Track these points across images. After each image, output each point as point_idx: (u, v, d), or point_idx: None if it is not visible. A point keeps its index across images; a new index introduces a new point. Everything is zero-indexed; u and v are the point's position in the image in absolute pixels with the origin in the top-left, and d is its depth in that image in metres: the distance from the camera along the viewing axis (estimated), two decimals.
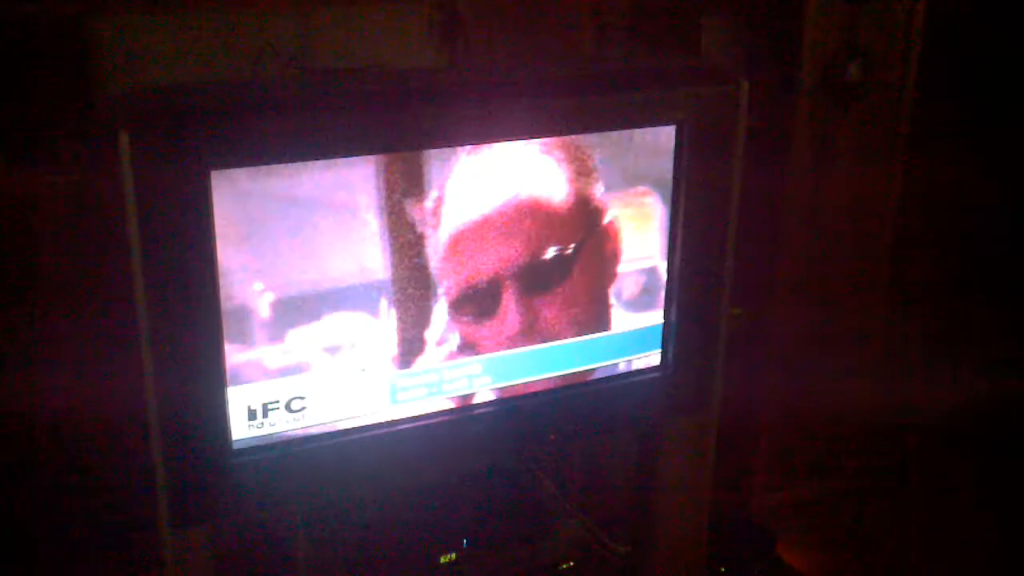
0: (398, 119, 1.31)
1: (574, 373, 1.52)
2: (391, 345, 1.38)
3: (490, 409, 1.47)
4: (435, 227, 1.35)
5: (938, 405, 2.22)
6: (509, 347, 1.45)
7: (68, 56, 1.46)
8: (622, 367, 1.55)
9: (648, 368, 1.56)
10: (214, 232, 1.22)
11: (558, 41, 1.83)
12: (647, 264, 1.51)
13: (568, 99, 1.40)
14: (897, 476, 2.26)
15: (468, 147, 1.34)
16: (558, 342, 1.49)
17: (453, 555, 1.61)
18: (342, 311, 1.34)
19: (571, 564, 1.71)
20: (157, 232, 1.19)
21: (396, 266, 1.35)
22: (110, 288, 1.30)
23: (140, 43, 1.49)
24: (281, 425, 1.35)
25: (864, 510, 2.19)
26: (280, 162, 1.25)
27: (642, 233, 1.49)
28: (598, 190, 1.44)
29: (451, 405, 1.45)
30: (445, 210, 1.35)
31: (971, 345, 2.29)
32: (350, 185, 1.30)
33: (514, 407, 1.49)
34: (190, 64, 1.49)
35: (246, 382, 1.31)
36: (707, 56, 1.91)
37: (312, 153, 1.26)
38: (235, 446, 1.32)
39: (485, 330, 1.43)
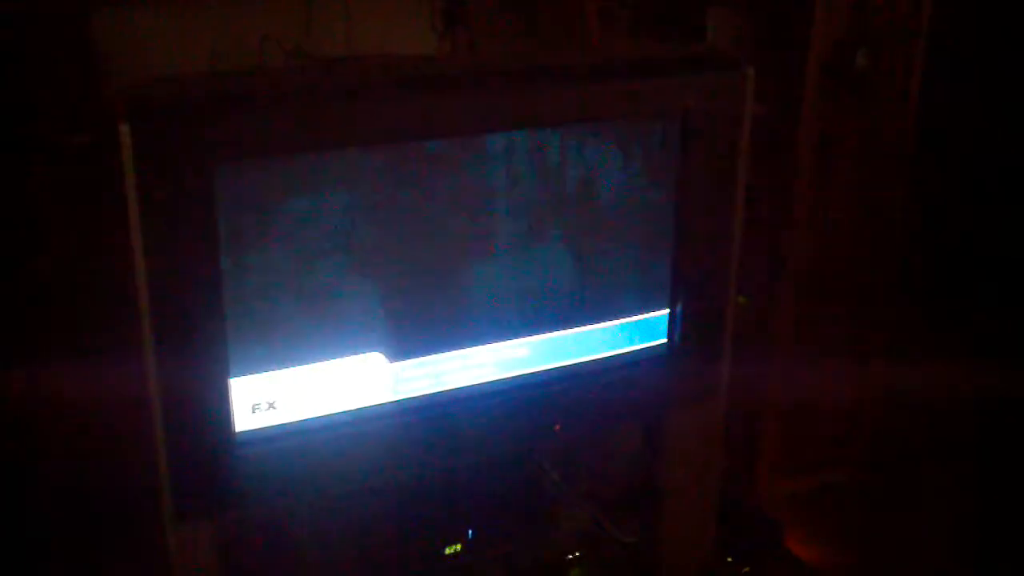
0: (401, 108, 1.30)
1: (580, 363, 1.51)
2: (395, 333, 1.38)
3: (494, 399, 1.47)
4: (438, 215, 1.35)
5: (946, 397, 2.21)
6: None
7: (70, 47, 1.46)
8: (628, 357, 1.54)
9: (654, 358, 1.56)
10: (218, 225, 1.22)
11: (561, 29, 1.82)
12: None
13: (572, 88, 1.39)
14: (905, 467, 2.25)
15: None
16: (563, 332, 1.48)
17: (458, 546, 1.61)
18: (345, 301, 1.33)
19: (577, 554, 1.71)
20: (160, 224, 1.19)
21: (400, 253, 1.34)
22: (113, 280, 1.30)
23: (141, 34, 1.49)
24: (284, 415, 1.35)
25: (872, 501, 2.18)
26: (285, 154, 1.24)
27: None
28: None
29: (455, 395, 1.44)
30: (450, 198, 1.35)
31: (978, 337, 2.28)
32: (353, 175, 1.30)
33: (519, 397, 1.48)
34: (192, 55, 1.49)
35: (249, 372, 1.31)
36: (713, 43, 1.90)
37: (317, 144, 1.26)
38: (238, 437, 1.32)
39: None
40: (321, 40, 1.56)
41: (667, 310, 1.54)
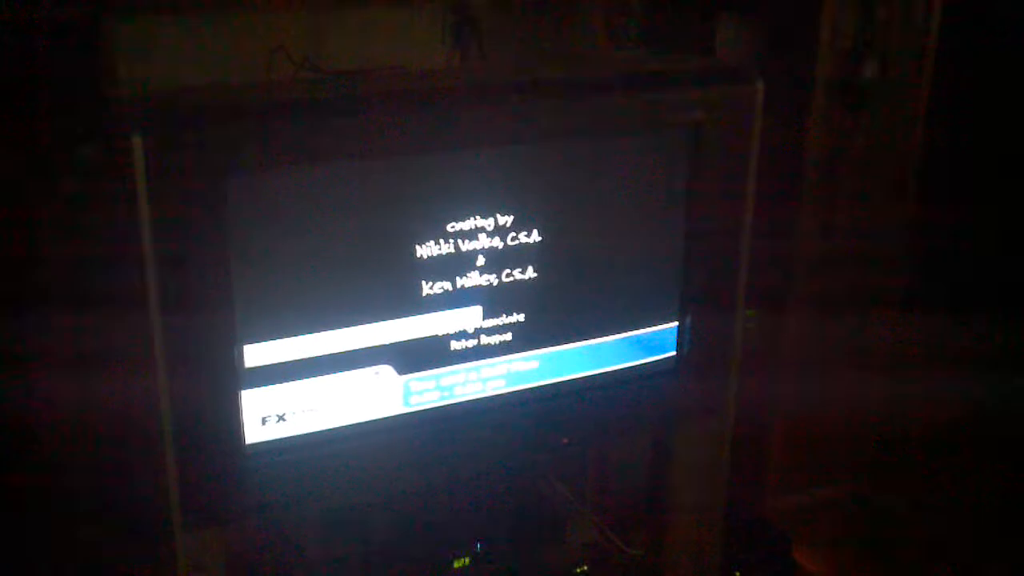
0: (411, 121, 1.30)
1: (588, 376, 1.51)
2: (405, 347, 1.38)
3: (503, 412, 1.47)
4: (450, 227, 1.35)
5: (952, 409, 2.21)
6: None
7: (81, 58, 1.46)
8: (637, 370, 1.54)
9: (663, 371, 1.56)
10: (229, 236, 1.22)
11: (572, 43, 1.82)
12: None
13: (582, 101, 1.39)
14: (912, 479, 2.24)
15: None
16: (572, 344, 1.48)
17: (467, 559, 1.60)
18: (356, 314, 1.33)
19: (585, 568, 1.71)
20: (171, 235, 1.19)
21: (409, 267, 1.35)
22: (123, 290, 1.30)
23: (153, 45, 1.49)
24: (294, 427, 1.34)
25: (879, 513, 2.18)
26: (295, 165, 1.24)
27: None
28: None
29: (464, 407, 1.44)
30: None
31: (985, 351, 2.27)
32: (365, 185, 1.30)
33: (527, 410, 1.48)
34: (202, 66, 1.49)
35: (260, 384, 1.31)
36: (722, 56, 1.90)
37: (330, 156, 1.26)
38: (248, 449, 1.32)
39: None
40: (331, 52, 1.57)
41: (676, 323, 1.54)
